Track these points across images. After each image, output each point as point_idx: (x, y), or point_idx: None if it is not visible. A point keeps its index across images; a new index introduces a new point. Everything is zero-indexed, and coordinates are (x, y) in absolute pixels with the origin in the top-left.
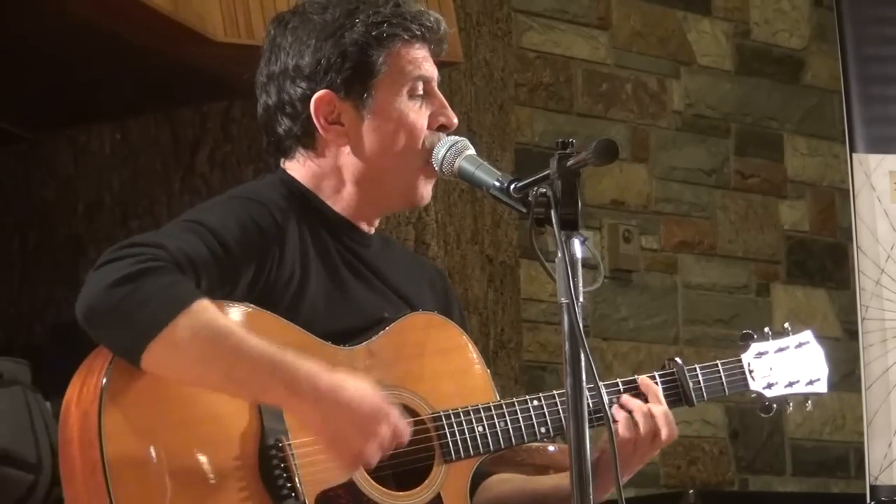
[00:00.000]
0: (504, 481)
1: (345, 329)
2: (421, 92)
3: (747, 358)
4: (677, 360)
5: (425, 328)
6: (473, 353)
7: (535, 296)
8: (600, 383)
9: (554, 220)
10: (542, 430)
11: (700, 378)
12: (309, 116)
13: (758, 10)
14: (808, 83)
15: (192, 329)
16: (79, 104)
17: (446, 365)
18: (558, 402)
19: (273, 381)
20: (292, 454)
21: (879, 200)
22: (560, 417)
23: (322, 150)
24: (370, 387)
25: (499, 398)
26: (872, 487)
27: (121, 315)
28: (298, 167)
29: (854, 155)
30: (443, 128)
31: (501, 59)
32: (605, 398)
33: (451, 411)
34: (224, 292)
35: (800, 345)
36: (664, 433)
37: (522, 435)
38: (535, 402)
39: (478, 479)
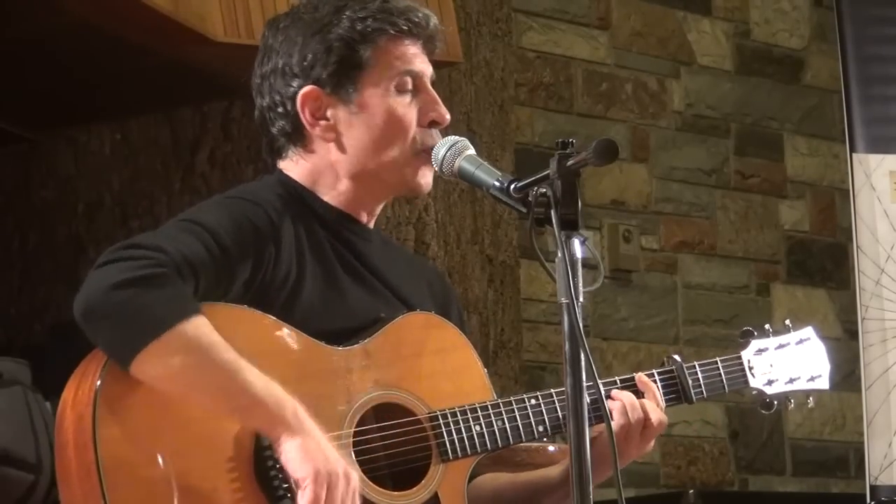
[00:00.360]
0: (496, 477)
1: (340, 329)
2: (410, 87)
3: (747, 355)
4: (676, 357)
5: (422, 328)
6: (471, 354)
7: (535, 296)
8: (600, 383)
9: (554, 220)
10: (540, 429)
11: (699, 375)
12: (298, 113)
13: (758, 10)
14: (808, 83)
15: (185, 342)
16: (79, 104)
17: (444, 365)
18: (556, 401)
19: (256, 411)
20: None
21: (879, 200)
22: (558, 416)
23: (312, 147)
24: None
25: (496, 399)
26: (872, 487)
27: (119, 317)
28: (293, 166)
29: (854, 155)
30: (434, 124)
31: (501, 59)
32: (605, 398)
33: (447, 410)
34: (220, 292)
35: (801, 341)
36: (654, 417)
37: (520, 434)
38: (533, 401)
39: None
